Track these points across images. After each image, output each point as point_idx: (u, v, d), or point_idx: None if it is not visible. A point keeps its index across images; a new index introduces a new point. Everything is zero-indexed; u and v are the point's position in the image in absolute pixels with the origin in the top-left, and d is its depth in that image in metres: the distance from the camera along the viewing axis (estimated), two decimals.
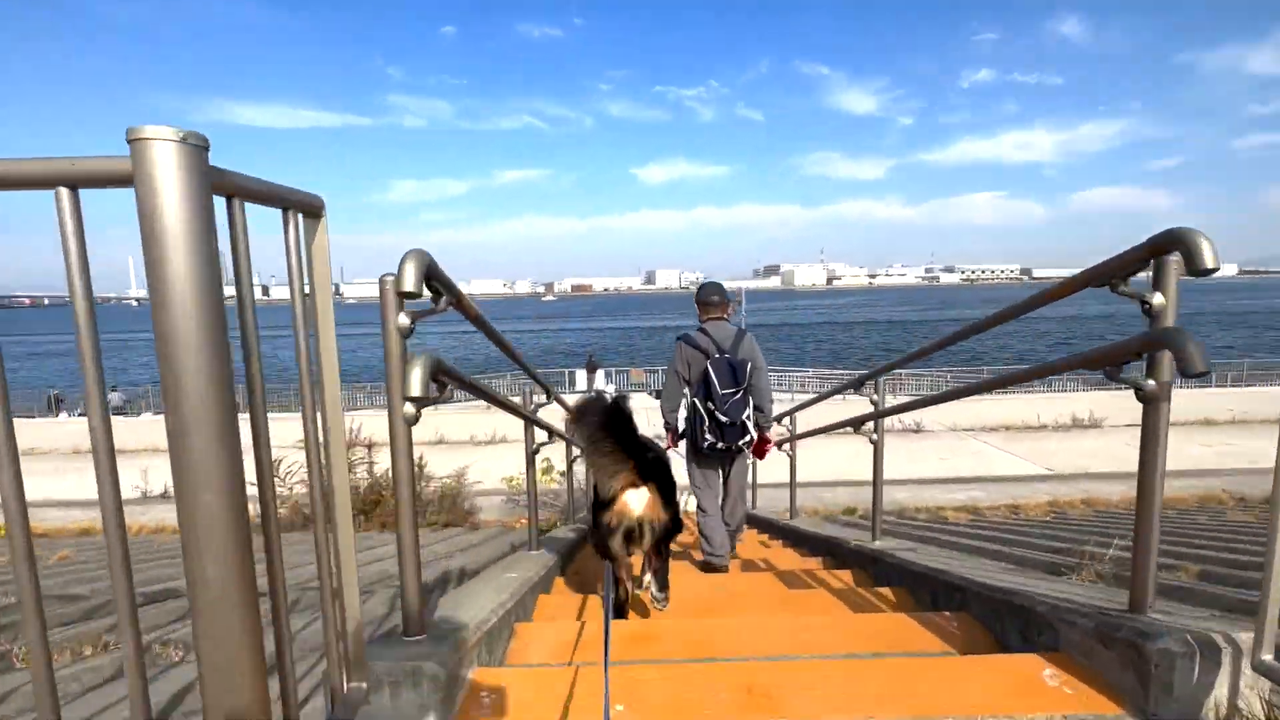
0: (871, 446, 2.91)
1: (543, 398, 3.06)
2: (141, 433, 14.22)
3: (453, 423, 14.91)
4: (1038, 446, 11.26)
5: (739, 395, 3.07)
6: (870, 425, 2.87)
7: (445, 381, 1.36)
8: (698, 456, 3.29)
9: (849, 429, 3.11)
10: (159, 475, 10.91)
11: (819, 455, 11.10)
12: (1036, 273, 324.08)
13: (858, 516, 6.83)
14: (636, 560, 2.32)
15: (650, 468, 2.04)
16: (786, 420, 5.12)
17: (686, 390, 3.26)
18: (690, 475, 3.34)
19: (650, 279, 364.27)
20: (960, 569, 2.25)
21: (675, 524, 2.14)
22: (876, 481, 2.92)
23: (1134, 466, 1.46)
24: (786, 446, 4.87)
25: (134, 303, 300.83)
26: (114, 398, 20.10)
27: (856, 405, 4.06)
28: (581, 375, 21.34)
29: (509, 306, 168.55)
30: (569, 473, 4.21)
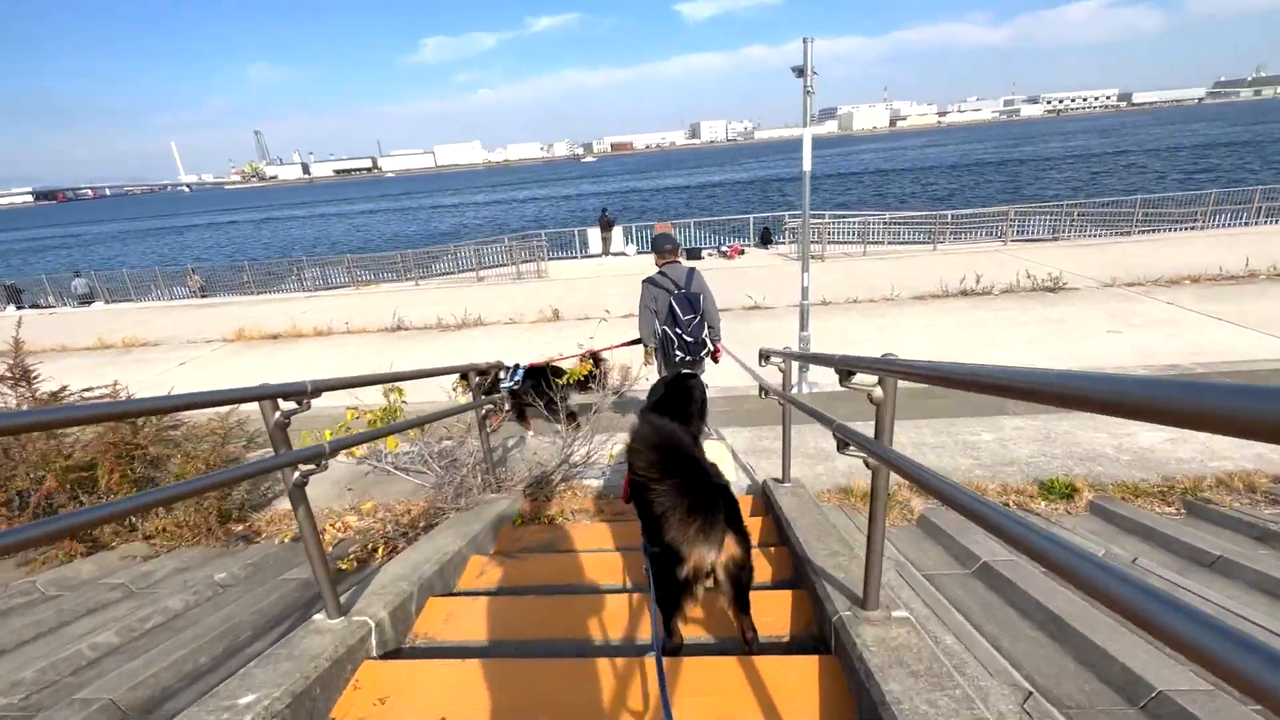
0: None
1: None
2: (68, 325, 11.96)
3: (432, 299, 11.92)
4: (1257, 311, 7.08)
5: (696, 320, 4.18)
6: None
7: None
8: (669, 366, 4.24)
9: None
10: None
11: (905, 326, 7.52)
12: (1137, 97, 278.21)
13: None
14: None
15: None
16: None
17: (656, 320, 4.31)
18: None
19: (695, 132, 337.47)
20: None
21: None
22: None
23: None
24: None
25: (186, 189, 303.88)
26: (77, 284, 18.11)
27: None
28: (594, 234, 17.70)
29: (545, 170, 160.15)
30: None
